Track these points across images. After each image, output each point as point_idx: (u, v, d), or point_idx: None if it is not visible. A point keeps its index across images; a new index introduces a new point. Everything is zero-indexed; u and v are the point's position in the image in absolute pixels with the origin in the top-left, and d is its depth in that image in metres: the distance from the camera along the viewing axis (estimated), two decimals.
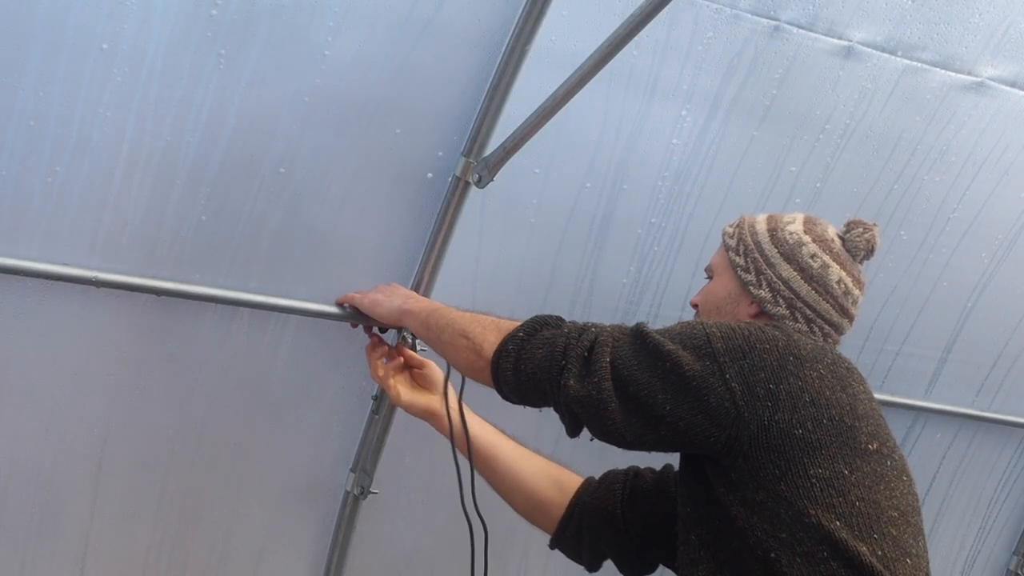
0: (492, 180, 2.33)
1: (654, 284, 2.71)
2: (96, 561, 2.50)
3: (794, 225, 1.94)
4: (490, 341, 1.86)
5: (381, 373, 2.26)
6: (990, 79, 2.65)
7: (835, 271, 1.90)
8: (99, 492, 2.44)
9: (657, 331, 1.74)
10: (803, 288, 1.89)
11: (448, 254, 2.45)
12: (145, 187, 2.17)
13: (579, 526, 2.14)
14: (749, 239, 1.95)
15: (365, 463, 2.64)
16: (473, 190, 2.37)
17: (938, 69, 2.60)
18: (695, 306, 2.06)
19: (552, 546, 2.20)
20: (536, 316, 1.87)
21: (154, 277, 2.24)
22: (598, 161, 2.49)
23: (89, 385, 2.34)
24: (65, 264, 2.16)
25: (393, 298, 2.18)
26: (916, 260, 2.91)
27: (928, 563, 1.73)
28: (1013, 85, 2.67)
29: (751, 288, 1.92)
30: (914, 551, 1.68)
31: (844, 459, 1.64)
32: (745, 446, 1.64)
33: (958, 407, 3.22)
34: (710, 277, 2.05)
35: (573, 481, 2.21)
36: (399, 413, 2.60)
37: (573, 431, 1.81)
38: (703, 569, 1.73)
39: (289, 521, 2.70)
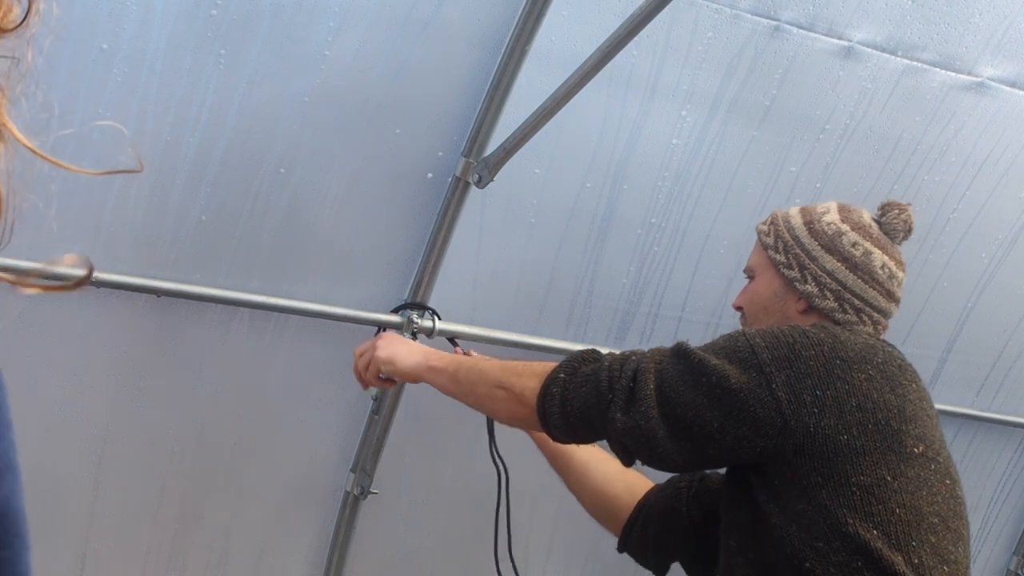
0: (492, 180, 2.33)
1: (654, 284, 2.71)
2: (96, 561, 2.50)
3: (830, 215, 1.91)
4: (530, 387, 1.80)
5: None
6: (990, 79, 2.65)
7: (878, 256, 1.87)
8: (99, 492, 2.44)
9: (700, 348, 1.71)
10: (849, 278, 1.85)
11: (448, 254, 2.45)
12: (145, 187, 2.17)
13: (645, 525, 2.11)
14: (786, 235, 1.91)
15: (365, 463, 2.64)
16: (473, 190, 2.37)
17: (938, 69, 2.60)
18: (739, 308, 2.01)
19: (620, 548, 2.17)
20: (573, 354, 1.82)
21: (154, 277, 2.24)
22: (598, 161, 2.49)
23: (89, 385, 2.34)
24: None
25: (412, 355, 2.07)
26: (916, 260, 2.90)
27: (968, 569, 1.70)
28: (1013, 85, 2.67)
29: (796, 284, 1.88)
30: (952, 557, 1.65)
31: (887, 465, 1.62)
32: (790, 454, 1.62)
33: (958, 407, 3.22)
34: (751, 277, 2.00)
35: (644, 485, 2.18)
36: (399, 413, 2.61)
37: (627, 461, 1.78)
38: (740, 575, 1.72)
39: (289, 521, 2.70)
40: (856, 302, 1.85)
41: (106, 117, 2.07)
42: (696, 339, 2.78)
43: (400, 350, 2.08)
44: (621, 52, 2.05)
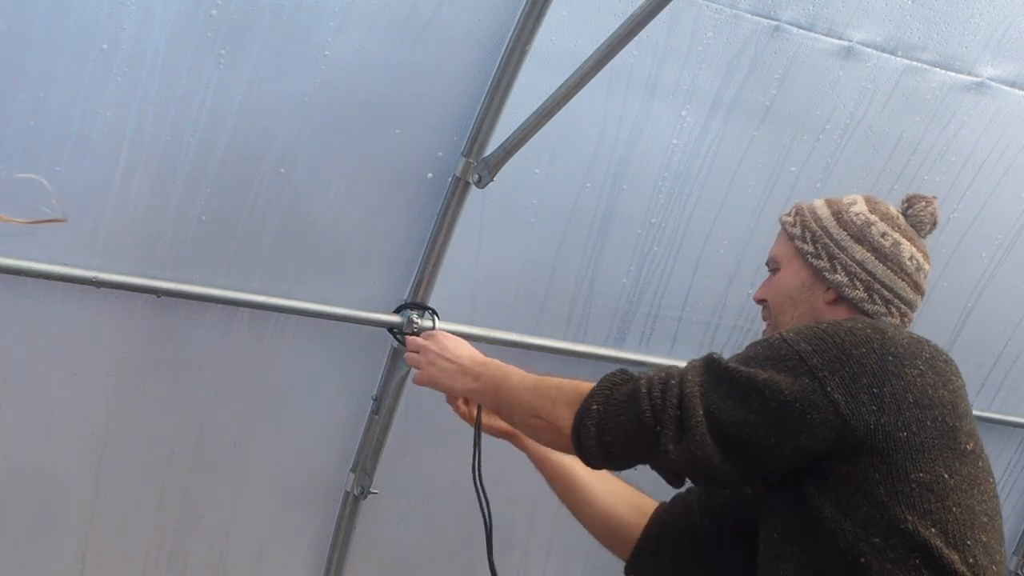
0: (492, 180, 2.33)
1: (654, 284, 2.71)
2: (96, 561, 2.50)
3: (857, 206, 1.88)
4: (564, 418, 1.75)
5: (463, 407, 2.18)
6: (990, 79, 2.65)
7: (907, 248, 1.84)
8: (99, 492, 2.44)
9: (738, 361, 1.65)
10: (879, 268, 1.83)
11: (448, 254, 2.45)
12: (145, 187, 2.17)
13: (658, 542, 2.06)
14: (814, 225, 1.88)
15: (365, 463, 2.64)
16: (473, 190, 2.37)
17: (938, 69, 2.60)
18: (761, 301, 1.97)
19: (628, 571, 2.11)
20: (604, 379, 1.75)
21: (154, 277, 2.25)
22: (598, 161, 2.49)
23: (89, 385, 2.34)
24: (65, 264, 2.16)
25: (452, 378, 2.06)
26: None
27: (1006, 571, 1.70)
28: (1013, 85, 2.67)
29: (826, 274, 1.84)
30: (999, 557, 1.62)
31: (945, 462, 1.59)
32: (850, 451, 1.58)
33: None
34: (776, 269, 1.95)
35: (650, 505, 2.13)
36: (399, 413, 2.61)
37: (676, 484, 1.73)
38: (786, 568, 1.67)
39: (289, 521, 2.70)
40: (886, 293, 1.83)
41: (106, 117, 2.07)
42: (696, 339, 2.81)
43: (439, 372, 2.06)
44: (621, 52, 2.05)
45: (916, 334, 1.73)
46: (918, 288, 1.87)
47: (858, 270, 1.84)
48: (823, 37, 2.47)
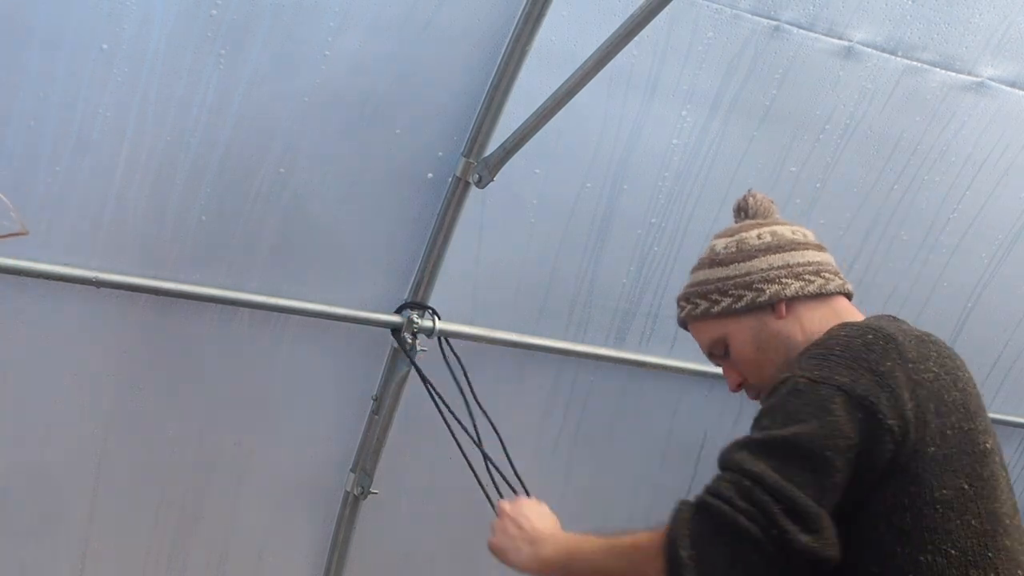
0: (492, 180, 2.33)
1: (654, 284, 2.71)
2: (96, 561, 2.50)
3: (718, 244, 1.86)
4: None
5: None
6: (990, 79, 2.65)
7: (780, 229, 1.84)
8: (99, 492, 2.44)
9: (775, 421, 1.51)
10: (785, 257, 1.80)
11: (448, 254, 2.45)
12: (145, 187, 2.17)
13: None
14: (705, 287, 1.84)
15: (365, 463, 2.64)
16: (473, 190, 2.37)
17: (938, 69, 2.60)
18: (742, 385, 1.84)
19: None
20: (674, 522, 1.50)
21: (154, 277, 2.25)
22: (598, 161, 2.49)
23: (89, 385, 2.34)
24: (65, 264, 2.16)
25: (518, 553, 1.82)
26: (916, 260, 2.90)
27: None
28: (1013, 85, 2.67)
29: (759, 300, 1.78)
30: (1022, 557, 1.56)
31: (965, 472, 1.52)
32: (886, 476, 1.50)
33: None
34: (723, 352, 1.84)
35: None
36: (399, 413, 2.61)
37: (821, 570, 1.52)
38: None
39: (289, 521, 2.70)
40: (809, 268, 1.80)
41: (106, 117, 2.07)
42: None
43: (508, 544, 1.84)
44: (621, 52, 2.05)
45: (918, 330, 1.68)
46: (820, 248, 1.85)
47: (774, 272, 1.79)
48: (823, 37, 2.47)
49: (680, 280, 2.70)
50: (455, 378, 2.47)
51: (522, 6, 2.20)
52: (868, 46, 2.51)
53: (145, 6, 2.00)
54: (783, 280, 1.80)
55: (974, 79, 2.64)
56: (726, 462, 1.51)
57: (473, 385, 2.47)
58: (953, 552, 1.50)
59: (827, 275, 1.82)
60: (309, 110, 2.21)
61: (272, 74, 2.14)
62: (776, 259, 1.81)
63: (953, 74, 2.62)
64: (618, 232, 2.60)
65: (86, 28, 1.98)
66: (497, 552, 1.88)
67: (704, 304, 1.83)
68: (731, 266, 1.82)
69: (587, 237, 2.58)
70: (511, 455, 2.44)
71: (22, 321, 2.21)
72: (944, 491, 1.50)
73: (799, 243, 1.84)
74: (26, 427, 2.32)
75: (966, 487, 1.53)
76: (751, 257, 1.82)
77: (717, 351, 1.85)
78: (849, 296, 1.84)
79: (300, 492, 2.68)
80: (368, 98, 2.24)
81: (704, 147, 2.55)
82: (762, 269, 1.81)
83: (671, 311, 2.77)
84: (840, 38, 2.49)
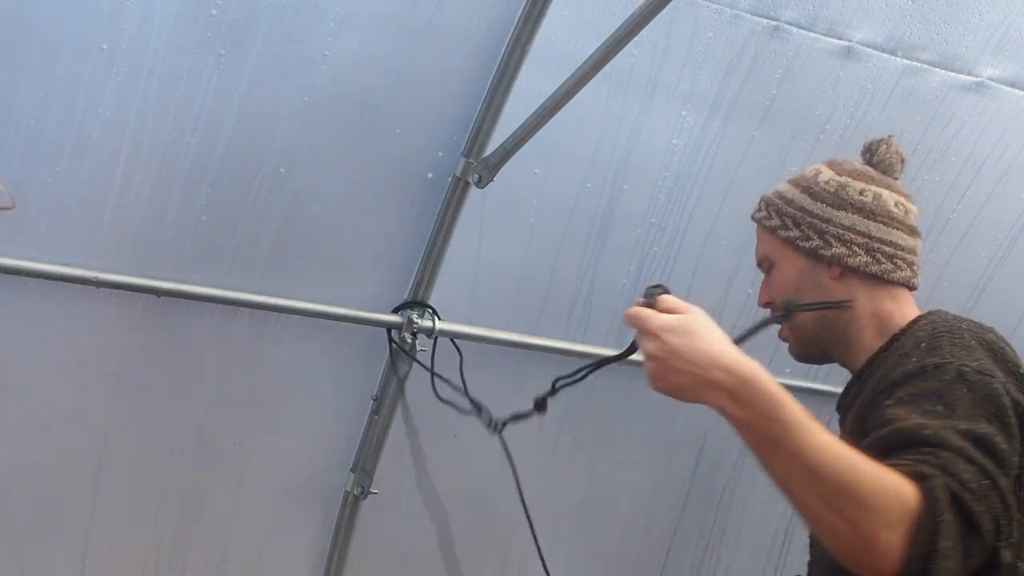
0: (492, 180, 2.33)
1: None
2: (96, 561, 2.50)
3: (823, 174, 1.80)
4: (887, 543, 1.26)
5: None
6: (990, 79, 2.65)
7: (888, 196, 1.77)
8: (99, 492, 2.44)
9: (957, 415, 1.41)
10: (871, 226, 1.75)
11: (448, 254, 2.45)
12: (145, 187, 2.17)
13: None
14: (789, 208, 1.80)
15: (365, 463, 2.64)
16: (473, 190, 2.37)
17: (938, 69, 2.60)
18: (767, 305, 1.84)
19: None
20: (933, 503, 1.28)
21: (154, 277, 2.25)
22: (598, 161, 2.49)
23: (89, 385, 2.34)
24: (65, 264, 2.16)
25: (696, 390, 1.39)
26: None
27: None
28: (1013, 85, 2.67)
29: (822, 251, 1.75)
30: None
31: None
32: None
33: None
34: (768, 269, 1.84)
35: None
36: (399, 413, 2.60)
37: None
38: None
39: (289, 521, 2.70)
40: (887, 248, 1.76)
41: (106, 117, 2.07)
42: None
43: (682, 381, 1.41)
44: (621, 52, 2.05)
45: (973, 325, 1.61)
46: (914, 232, 1.80)
47: (852, 235, 1.75)
48: (823, 37, 2.47)
49: (680, 280, 2.72)
50: (461, 376, 2.46)
51: (522, 6, 2.20)
52: (868, 46, 2.52)
53: (145, 6, 2.00)
54: (854, 247, 1.76)
55: (974, 79, 2.64)
56: (946, 443, 1.35)
57: (473, 385, 2.47)
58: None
59: (899, 262, 1.77)
60: (309, 110, 2.21)
61: (272, 74, 2.14)
62: (861, 223, 1.76)
63: (953, 74, 2.62)
64: (618, 232, 2.60)
65: (86, 28, 1.98)
66: (664, 392, 1.45)
67: (777, 221, 1.82)
68: (820, 204, 1.78)
69: (587, 237, 2.58)
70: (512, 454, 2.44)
71: (22, 321, 2.21)
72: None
73: (894, 218, 1.78)
74: (26, 427, 2.32)
75: None
76: (841, 207, 1.77)
77: (763, 265, 1.86)
78: (913, 289, 1.79)
79: (300, 492, 2.68)
80: (368, 98, 2.24)
81: (704, 147, 2.55)
82: (843, 225, 1.77)
83: None
84: (840, 38, 2.49)
